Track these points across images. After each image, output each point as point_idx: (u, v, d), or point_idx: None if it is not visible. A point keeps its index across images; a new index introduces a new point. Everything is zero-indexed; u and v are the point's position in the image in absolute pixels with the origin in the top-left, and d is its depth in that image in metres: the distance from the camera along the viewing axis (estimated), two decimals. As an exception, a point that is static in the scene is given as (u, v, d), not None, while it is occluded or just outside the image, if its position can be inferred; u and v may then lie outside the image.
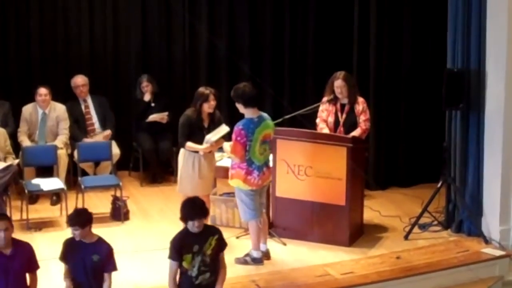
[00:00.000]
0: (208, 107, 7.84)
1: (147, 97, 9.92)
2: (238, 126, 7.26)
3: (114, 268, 6.17)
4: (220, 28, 10.38)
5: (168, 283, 6.18)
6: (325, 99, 8.41)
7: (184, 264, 6.08)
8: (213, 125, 7.85)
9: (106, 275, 6.12)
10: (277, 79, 10.55)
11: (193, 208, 6.06)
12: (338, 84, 8.28)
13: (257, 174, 7.33)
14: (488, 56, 8.04)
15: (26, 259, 6.02)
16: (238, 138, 7.23)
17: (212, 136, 7.73)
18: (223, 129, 7.79)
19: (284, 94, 10.46)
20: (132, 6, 10.19)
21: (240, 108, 7.37)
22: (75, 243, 6.08)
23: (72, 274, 6.11)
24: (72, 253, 6.09)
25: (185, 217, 6.08)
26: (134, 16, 10.20)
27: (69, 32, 10.02)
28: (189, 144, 7.77)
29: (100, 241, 6.17)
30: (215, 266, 6.11)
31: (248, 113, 7.33)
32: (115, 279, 6.20)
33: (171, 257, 6.13)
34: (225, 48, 10.13)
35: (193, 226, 6.03)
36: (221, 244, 6.19)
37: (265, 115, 7.44)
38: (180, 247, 6.08)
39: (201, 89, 7.91)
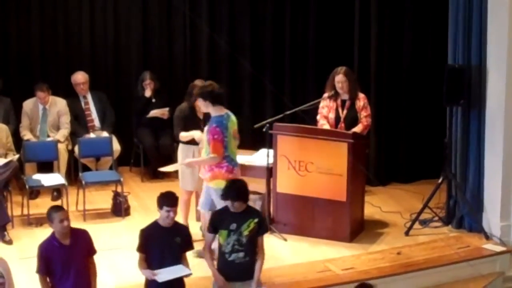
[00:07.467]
0: None
1: (147, 93, 9.91)
2: (212, 125, 7.18)
3: (192, 246, 6.31)
4: (220, 25, 10.37)
5: (204, 253, 6.43)
6: (325, 95, 8.41)
7: (220, 239, 6.27)
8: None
9: (183, 255, 6.22)
10: (278, 75, 10.52)
11: (237, 191, 6.24)
12: (339, 79, 8.27)
13: (236, 170, 7.28)
14: (489, 52, 8.04)
15: (85, 246, 6.06)
16: (216, 136, 7.13)
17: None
18: None
19: (285, 90, 10.44)
20: (133, 3, 10.17)
21: (208, 106, 7.26)
22: (157, 230, 6.14)
23: (157, 261, 6.10)
24: (155, 240, 6.12)
25: (226, 197, 6.26)
26: (135, 12, 10.18)
27: (70, 28, 10.00)
28: (182, 134, 7.81)
29: (178, 223, 6.29)
30: (252, 247, 6.26)
31: (216, 111, 7.24)
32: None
33: (208, 229, 6.40)
34: (225, 44, 10.12)
35: (232, 206, 6.23)
36: (261, 228, 6.31)
37: (229, 112, 7.35)
38: (217, 221, 6.31)
39: (197, 83, 7.92)
